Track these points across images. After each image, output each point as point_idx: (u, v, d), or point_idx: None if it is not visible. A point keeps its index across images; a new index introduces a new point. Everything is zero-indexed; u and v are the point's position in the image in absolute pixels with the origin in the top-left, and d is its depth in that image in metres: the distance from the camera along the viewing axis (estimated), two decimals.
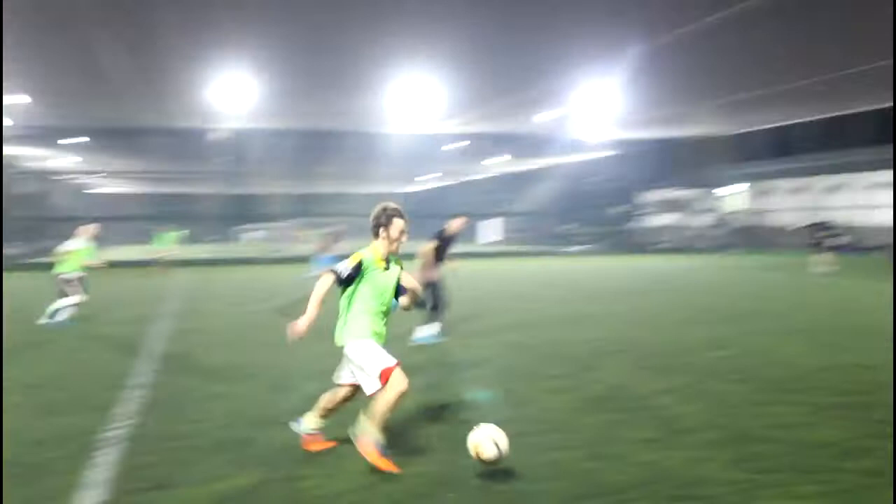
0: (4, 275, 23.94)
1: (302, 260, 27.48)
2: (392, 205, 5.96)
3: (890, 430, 6.39)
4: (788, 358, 9.85)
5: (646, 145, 48.09)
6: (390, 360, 5.57)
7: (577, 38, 21.15)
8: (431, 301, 11.37)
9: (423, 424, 6.76)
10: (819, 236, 27.54)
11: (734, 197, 50.17)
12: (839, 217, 39.89)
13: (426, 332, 11.38)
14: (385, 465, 5.47)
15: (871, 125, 37.91)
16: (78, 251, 14.14)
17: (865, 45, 22.59)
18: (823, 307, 15.99)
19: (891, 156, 36.88)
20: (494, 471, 5.43)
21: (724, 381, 8.49)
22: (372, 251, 5.81)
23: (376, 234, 5.86)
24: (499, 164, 54.87)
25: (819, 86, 28.38)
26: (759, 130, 43.54)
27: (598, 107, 31.29)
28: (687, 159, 49.17)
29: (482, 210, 59.57)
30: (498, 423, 5.78)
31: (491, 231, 61.33)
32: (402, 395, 5.54)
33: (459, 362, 9.92)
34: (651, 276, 25.74)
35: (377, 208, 5.92)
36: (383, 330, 5.87)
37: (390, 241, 5.82)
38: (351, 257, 5.75)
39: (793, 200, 45.77)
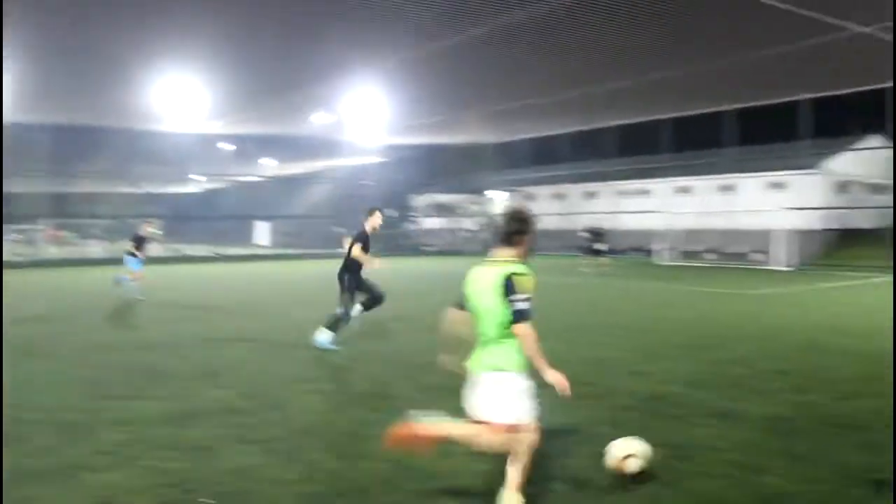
0: None
1: (55, 264, 25.63)
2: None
3: (622, 415, 6.98)
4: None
5: (417, 151, 49.23)
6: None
7: (347, 44, 21.28)
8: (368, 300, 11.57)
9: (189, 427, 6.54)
10: (591, 241, 29.56)
11: (500, 202, 52.52)
12: (593, 222, 43.03)
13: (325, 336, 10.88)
14: None
15: (619, 138, 41.29)
16: None
17: (618, 63, 24.46)
18: (583, 305, 17.10)
19: (629, 168, 40.37)
20: (250, 473, 5.38)
21: None
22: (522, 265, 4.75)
23: (513, 243, 4.87)
24: (272, 167, 53.99)
25: (575, 100, 30.45)
26: (523, 139, 45.91)
27: (370, 112, 31.68)
28: (456, 165, 50.96)
29: (256, 212, 58.32)
30: (251, 428, 5.65)
31: (263, 233, 60.17)
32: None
33: (216, 367, 9.63)
34: (423, 277, 26.36)
35: (515, 212, 5.01)
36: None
37: (527, 252, 4.88)
38: (521, 280, 4.62)
39: (554, 206, 48.71)
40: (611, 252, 39.28)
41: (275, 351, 10.88)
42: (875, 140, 39.85)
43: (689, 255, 37.80)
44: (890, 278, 24.92)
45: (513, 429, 4.71)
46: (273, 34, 20.16)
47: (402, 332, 12.87)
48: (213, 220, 56.93)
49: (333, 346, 10.78)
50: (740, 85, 29.19)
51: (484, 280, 4.80)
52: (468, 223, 52.08)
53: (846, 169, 39.33)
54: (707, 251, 37.90)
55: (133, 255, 18.11)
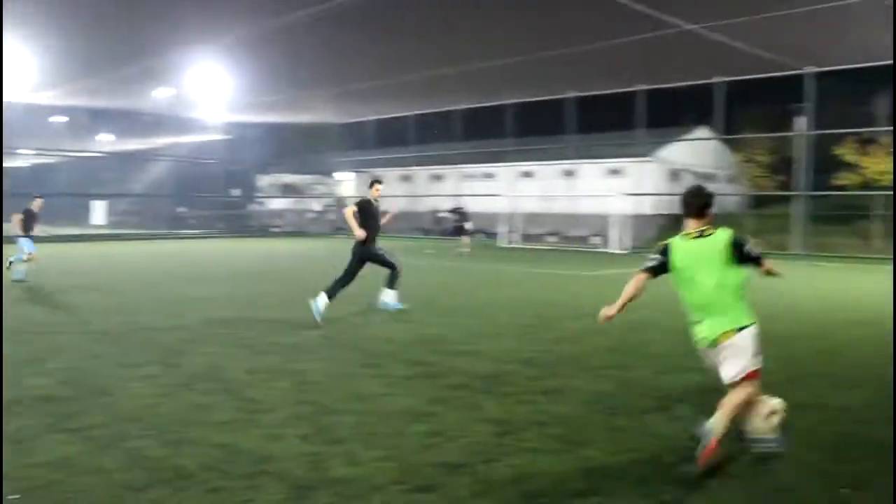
0: None
1: None
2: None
3: (453, 394, 7.06)
4: (380, 333, 10.45)
5: (262, 129, 48.15)
6: None
7: (187, 15, 20.46)
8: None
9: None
10: (458, 221, 29.81)
11: (347, 183, 52.21)
12: (440, 204, 43.53)
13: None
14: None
15: (465, 121, 41.88)
16: None
17: (463, 47, 24.72)
18: (424, 287, 17.18)
19: (475, 151, 41.08)
20: (65, 464, 5.05)
21: (312, 358, 8.74)
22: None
23: (704, 214, 5.51)
24: (109, 142, 51.34)
25: (420, 82, 30.59)
26: (369, 120, 45.76)
27: (212, 88, 30.65)
28: (302, 145, 50.24)
29: (92, 189, 55.31)
30: (69, 417, 5.33)
31: (99, 212, 57.17)
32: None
33: (41, 353, 9.02)
34: (265, 258, 25.85)
35: (700, 188, 5.77)
36: None
37: (712, 220, 5.52)
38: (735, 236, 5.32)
39: (401, 188, 48.83)
40: (473, 232, 40.01)
41: (106, 335, 10.31)
42: (704, 131, 42.14)
43: (531, 238, 38.86)
44: None
45: (758, 374, 5.31)
46: (108, 1, 19.09)
47: (239, 314, 12.51)
48: (44, 197, 53.52)
49: (400, 305, 12.22)
50: (581, 74, 30.19)
51: (701, 252, 5.36)
52: (314, 204, 51.48)
53: (678, 158, 41.44)
54: (549, 234, 39.08)
55: (24, 235, 17.25)
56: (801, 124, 31.13)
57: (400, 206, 45.88)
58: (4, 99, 34.79)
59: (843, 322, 12.27)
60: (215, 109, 39.31)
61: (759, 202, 39.52)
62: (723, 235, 5.30)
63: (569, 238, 37.82)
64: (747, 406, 5.26)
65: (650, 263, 5.80)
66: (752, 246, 5.33)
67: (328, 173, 50.69)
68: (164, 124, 44.06)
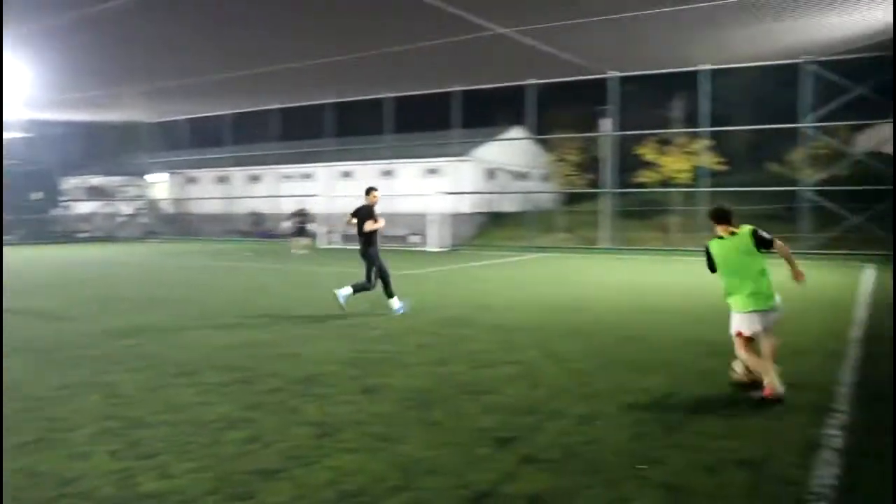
0: None
1: None
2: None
3: (270, 398, 6.96)
4: (193, 341, 10.13)
5: (67, 127, 45.35)
6: None
7: None
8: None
9: None
10: (298, 222, 29.47)
11: (160, 185, 50.18)
12: (257, 206, 42.74)
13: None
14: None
15: (282, 122, 41.29)
16: None
17: (277, 46, 24.32)
18: (243, 290, 16.80)
19: (292, 152, 40.64)
20: None
21: (122, 370, 8.35)
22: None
23: (730, 221, 7.38)
24: None
25: (235, 81, 29.86)
26: (182, 120, 44.19)
27: (7, 82, 28.53)
28: (111, 145, 47.75)
29: None
30: None
31: None
32: None
33: None
34: (70, 266, 24.40)
35: (723, 204, 7.56)
36: None
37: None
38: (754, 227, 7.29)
39: (217, 190, 47.47)
40: (266, 235, 39.58)
41: None
42: (518, 131, 43.62)
43: (351, 238, 38.74)
44: (531, 256, 27.52)
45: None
46: None
47: (40, 326, 11.77)
48: None
49: (403, 310, 12.59)
50: (398, 74, 30.50)
51: (732, 248, 7.27)
52: (124, 207, 49.07)
53: (493, 157, 42.67)
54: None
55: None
56: (607, 125, 32.86)
57: (217, 208, 44.82)
58: None
59: (644, 310, 13.08)
60: (11, 105, 36.58)
61: (570, 199, 41.40)
62: (746, 229, 7.26)
63: (387, 237, 38.03)
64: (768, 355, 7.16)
65: (710, 263, 7.51)
66: (765, 234, 7.22)
67: (139, 175, 48.44)
68: None
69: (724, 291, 7.41)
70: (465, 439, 5.78)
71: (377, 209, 13.16)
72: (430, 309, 13.18)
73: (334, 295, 12.58)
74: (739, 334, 7.22)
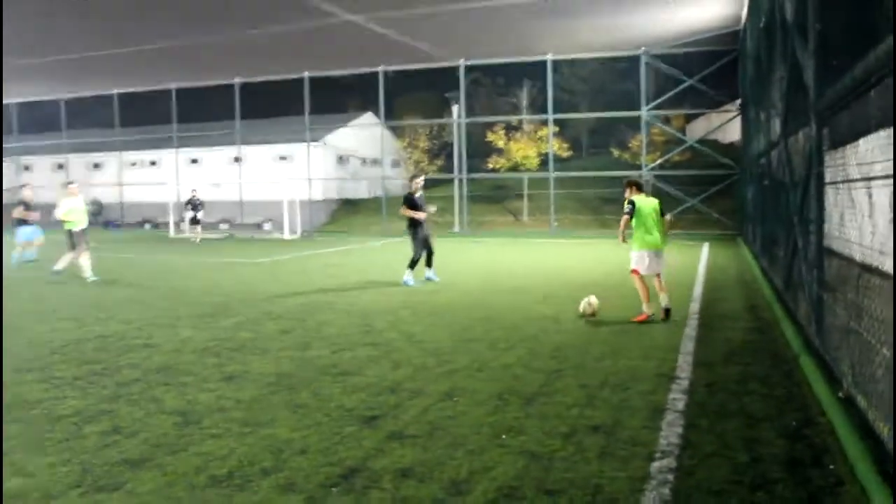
0: None
1: None
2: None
3: (128, 390, 6.82)
4: (40, 337, 9.70)
5: None
6: None
7: None
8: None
9: None
10: (194, 211, 28.43)
11: None
12: (99, 194, 40.88)
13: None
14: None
15: (125, 107, 39.64)
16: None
17: (121, 28, 23.30)
18: (72, 284, 16.10)
19: (137, 138, 39.09)
20: None
21: None
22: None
23: (643, 190, 10.94)
24: None
25: (72, 63, 28.42)
26: (13, 103, 41.60)
27: None
28: None
29: None
30: None
31: None
32: None
33: None
34: None
35: (638, 178, 11.68)
36: None
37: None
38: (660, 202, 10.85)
39: (55, 177, 45.01)
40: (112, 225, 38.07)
41: None
42: (368, 118, 43.62)
43: (203, 226, 37.79)
44: (383, 241, 27.67)
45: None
46: None
47: None
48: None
49: (412, 283, 14.32)
50: (247, 59, 29.88)
51: (650, 207, 10.39)
52: None
53: (344, 143, 42.51)
54: (220, 222, 38.22)
55: (25, 222, 18.64)
56: (457, 112, 33.39)
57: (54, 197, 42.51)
58: None
59: (498, 290, 13.51)
60: None
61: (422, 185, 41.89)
62: (655, 200, 10.63)
63: (241, 226, 37.28)
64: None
65: (630, 208, 10.26)
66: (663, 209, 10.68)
67: None
68: None
69: (633, 235, 10.38)
70: (332, 420, 5.89)
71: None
72: (287, 295, 13.12)
73: (403, 283, 14.41)
74: (635, 271, 10.39)
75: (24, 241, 19.06)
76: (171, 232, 33.75)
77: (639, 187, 10.61)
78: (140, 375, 7.42)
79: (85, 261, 15.82)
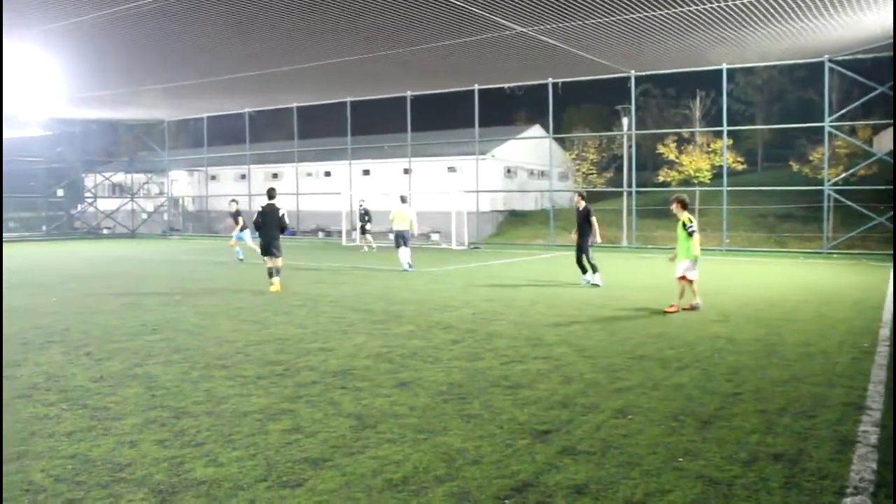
0: None
1: None
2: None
3: (307, 391, 7.10)
4: (225, 335, 10.29)
5: (89, 126, 45.79)
6: None
7: (3, 5, 19.15)
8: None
9: None
10: (365, 221, 30.02)
11: (181, 182, 50.52)
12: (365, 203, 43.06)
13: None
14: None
15: (302, 119, 41.52)
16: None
17: (300, 46, 24.47)
18: (254, 287, 16.94)
19: (313, 149, 40.73)
20: None
21: (158, 363, 8.53)
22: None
23: (685, 207, 12.91)
24: None
25: (258, 79, 30.08)
26: (204, 118, 44.45)
27: (30, 81, 28.86)
28: (134, 143, 48.12)
29: None
30: None
31: None
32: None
33: None
34: (95, 261, 24.69)
35: (683, 195, 13.39)
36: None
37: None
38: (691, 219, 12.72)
39: (238, 187, 47.75)
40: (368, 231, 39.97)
41: None
42: (536, 130, 43.70)
43: (372, 235, 38.97)
44: (551, 255, 27.56)
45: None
46: None
47: (72, 320, 11.97)
48: None
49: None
50: (419, 73, 30.58)
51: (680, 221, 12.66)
52: (147, 204, 49.46)
53: (512, 156, 42.75)
54: (389, 232, 39.20)
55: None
56: (626, 124, 32.85)
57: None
58: None
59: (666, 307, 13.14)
60: (35, 104, 37.07)
61: (591, 198, 41.45)
62: (683, 218, 12.67)
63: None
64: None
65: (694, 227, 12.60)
66: (692, 227, 12.56)
67: (160, 172, 48.81)
68: None
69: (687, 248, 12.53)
70: (504, 431, 5.89)
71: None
72: (456, 305, 13.29)
73: (592, 285, 16.43)
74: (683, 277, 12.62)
75: (237, 240, 24.02)
76: (343, 240, 34.98)
77: (686, 205, 12.83)
78: (318, 378, 7.71)
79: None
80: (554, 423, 6.12)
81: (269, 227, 15.79)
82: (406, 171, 40.60)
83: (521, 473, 4.97)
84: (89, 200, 49.57)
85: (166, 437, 5.76)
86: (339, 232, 36.28)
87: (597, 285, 16.39)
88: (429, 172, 41.38)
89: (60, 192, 48.14)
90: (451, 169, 40.82)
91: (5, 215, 49.08)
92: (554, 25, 22.11)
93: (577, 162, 42.15)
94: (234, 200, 25.18)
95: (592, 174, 40.91)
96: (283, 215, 15.98)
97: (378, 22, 21.70)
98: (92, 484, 4.83)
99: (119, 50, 24.94)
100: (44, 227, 45.87)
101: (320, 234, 41.71)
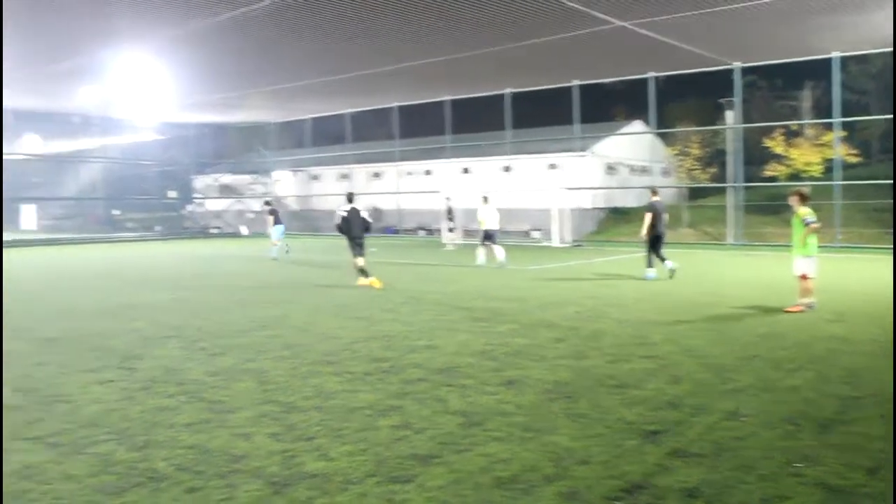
0: None
1: None
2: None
3: (413, 388, 7.19)
4: (331, 332, 10.51)
5: (197, 129, 47.44)
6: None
7: (116, 12, 20.01)
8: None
9: None
10: (449, 219, 30.63)
11: (285, 182, 51.77)
12: (377, 201, 43.54)
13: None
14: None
15: (402, 118, 41.96)
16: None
17: (398, 46, 24.75)
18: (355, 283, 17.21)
19: (413, 148, 41.07)
20: (35, 471, 5.05)
21: (268, 358, 8.78)
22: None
23: (805, 202, 12.31)
24: (35, 144, 49.85)
25: (358, 80, 30.57)
26: (306, 119, 45.43)
27: (144, 87, 30.12)
28: (239, 144, 49.61)
29: (19, 194, 53.65)
30: (28, 425, 5.38)
31: (29, 216, 55.53)
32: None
33: None
34: (204, 259, 25.57)
35: (803, 189, 12.58)
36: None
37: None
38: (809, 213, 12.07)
39: (340, 186, 48.61)
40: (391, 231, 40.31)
41: (53, 342, 10.20)
42: (637, 125, 42.94)
43: (471, 233, 39.09)
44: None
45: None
46: None
47: (187, 317, 12.44)
48: None
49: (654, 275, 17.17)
50: (517, 70, 30.50)
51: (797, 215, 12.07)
52: (253, 204, 50.87)
53: (613, 152, 42.13)
54: (478, 230, 39.28)
55: (278, 221, 25.87)
56: (731, 118, 31.92)
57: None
58: None
59: (779, 306, 12.70)
60: (148, 109, 38.71)
61: (694, 194, 40.45)
62: (801, 212, 12.10)
63: (509, 233, 38.08)
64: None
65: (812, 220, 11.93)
66: (809, 219, 11.96)
67: (266, 172, 50.14)
68: (94, 125, 43.23)
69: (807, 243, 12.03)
70: (612, 431, 5.82)
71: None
72: (559, 303, 13.20)
73: (670, 272, 17.06)
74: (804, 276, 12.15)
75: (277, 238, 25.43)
76: (443, 238, 35.19)
77: (806, 198, 12.27)
78: (424, 375, 7.79)
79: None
80: (663, 423, 6.02)
81: (356, 228, 16.42)
82: (506, 169, 40.53)
83: (630, 474, 4.90)
84: (198, 201, 51.39)
85: (278, 431, 5.93)
86: (439, 230, 36.46)
87: (650, 279, 17.05)
88: (528, 170, 41.15)
89: (173, 194, 50.04)
90: (552, 166, 40.49)
91: (126, 216, 51.42)
92: (654, 18, 21.69)
93: (680, 157, 41.13)
94: (267, 202, 28.18)
95: (696, 170, 39.85)
96: (365, 216, 16.63)
97: (477, 20, 21.74)
98: (210, 474, 5.02)
99: (228, 56, 25.79)
100: (157, 228, 47.75)
101: (421, 233, 42.05)
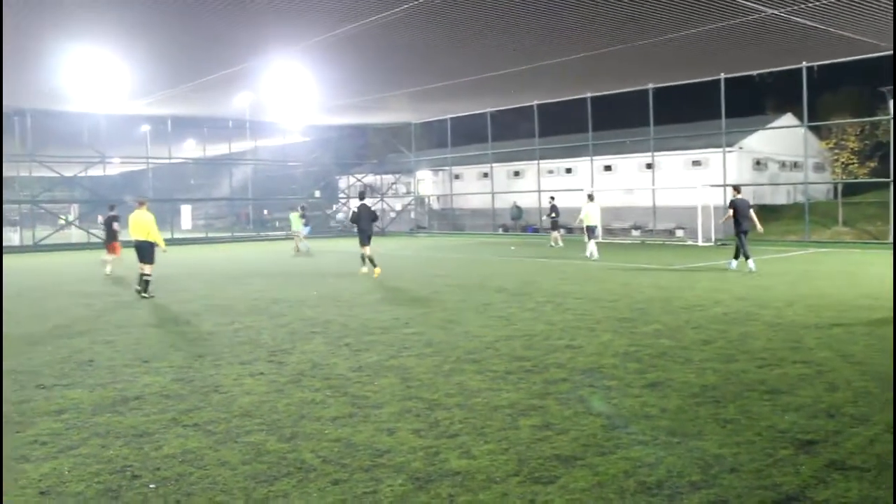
0: None
1: None
2: None
3: (556, 388, 7.15)
4: (473, 330, 10.59)
5: (341, 131, 48.86)
6: None
7: (267, 22, 20.87)
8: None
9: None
10: (553, 217, 30.88)
11: (426, 181, 52.59)
12: (518, 200, 43.52)
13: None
14: None
15: (542, 117, 41.74)
16: None
17: (539, 44, 24.65)
18: (512, 282, 17.25)
19: (553, 146, 40.74)
20: (192, 456, 5.35)
21: (410, 355, 8.94)
22: None
23: None
24: (194, 148, 52.80)
25: (498, 80, 30.63)
26: (448, 119, 45.90)
27: (292, 93, 31.31)
28: (382, 145, 50.75)
29: (178, 195, 56.96)
30: (187, 412, 5.69)
31: (186, 216, 58.82)
32: None
33: (145, 354, 9.45)
34: (349, 256, 26.25)
35: None
36: None
37: None
38: None
39: (479, 185, 48.96)
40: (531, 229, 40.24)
41: (209, 335, 10.76)
42: (787, 119, 41.12)
43: (614, 232, 38.54)
44: (805, 251, 25.86)
45: None
46: (192, 12, 19.61)
47: (331, 313, 12.82)
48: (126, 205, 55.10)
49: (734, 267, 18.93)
50: (659, 65, 29.76)
51: None
52: (395, 203, 51.97)
53: (762, 147, 40.53)
54: (632, 228, 38.67)
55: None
56: (892, 107, 30.03)
57: (479, 203, 46.17)
58: (98, 110, 36.29)
59: None
60: (295, 113, 40.19)
61: (850, 190, 38.32)
62: None
63: (652, 231, 37.29)
64: None
65: None
66: None
67: (407, 172, 51.11)
68: (245, 129, 45.26)
69: None
70: (763, 439, 5.59)
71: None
72: (706, 304, 12.81)
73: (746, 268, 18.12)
74: None
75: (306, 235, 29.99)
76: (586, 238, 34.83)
77: None
78: (566, 375, 7.74)
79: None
80: (819, 433, 5.73)
81: (365, 220, 19.00)
82: (648, 166, 39.66)
83: (784, 486, 4.69)
84: (343, 201, 52.95)
85: (421, 427, 6.03)
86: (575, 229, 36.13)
87: (731, 268, 18.98)
88: (672, 167, 40.18)
89: (318, 194, 51.77)
90: (696, 163, 39.39)
91: (273, 216, 53.61)
92: (807, 4, 20.66)
93: (836, 151, 39.09)
94: (303, 206, 32.63)
95: (853, 164, 37.77)
96: (373, 209, 19.51)
97: (618, 14, 21.36)
98: (355, 467, 5.16)
99: (369, 60, 26.43)
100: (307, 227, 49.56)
101: (561, 231, 41.75)
